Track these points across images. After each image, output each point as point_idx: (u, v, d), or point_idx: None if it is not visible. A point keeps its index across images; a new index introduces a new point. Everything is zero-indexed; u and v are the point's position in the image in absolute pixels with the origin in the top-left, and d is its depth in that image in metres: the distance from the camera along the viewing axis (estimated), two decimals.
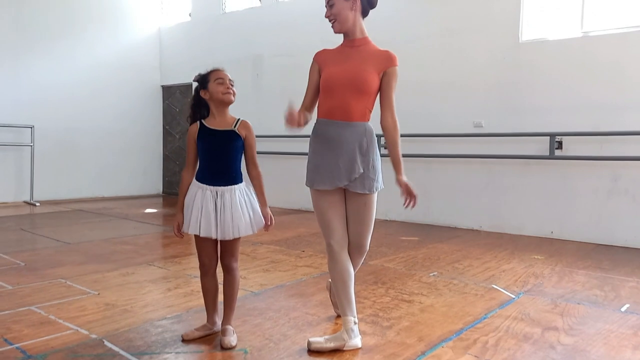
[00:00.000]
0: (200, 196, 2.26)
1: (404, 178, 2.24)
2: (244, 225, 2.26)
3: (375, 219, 2.37)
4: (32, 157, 7.59)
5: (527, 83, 5.46)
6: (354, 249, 2.36)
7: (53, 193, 7.97)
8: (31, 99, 7.67)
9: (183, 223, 2.30)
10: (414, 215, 6.17)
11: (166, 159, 9.55)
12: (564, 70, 5.22)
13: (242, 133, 2.30)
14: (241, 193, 2.30)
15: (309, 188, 2.35)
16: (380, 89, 2.28)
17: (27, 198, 7.61)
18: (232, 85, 2.29)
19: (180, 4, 9.26)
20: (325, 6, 2.29)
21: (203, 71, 2.36)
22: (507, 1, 5.58)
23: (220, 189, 2.26)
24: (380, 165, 2.31)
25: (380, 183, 2.31)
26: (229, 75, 2.33)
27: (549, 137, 5.20)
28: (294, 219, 6.46)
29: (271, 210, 2.37)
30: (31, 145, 7.57)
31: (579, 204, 5.17)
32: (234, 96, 2.28)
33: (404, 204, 2.22)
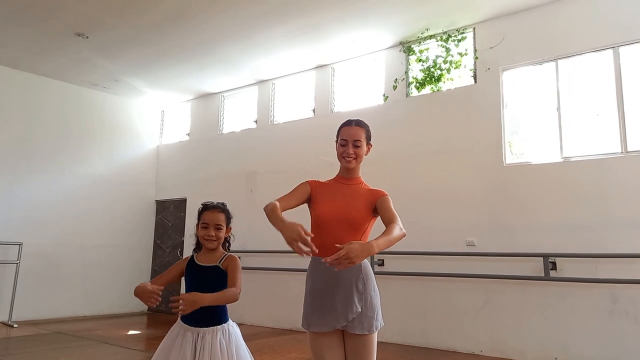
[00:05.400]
0: (180, 339, 2.21)
1: (372, 246, 1.93)
2: None
3: None
4: (17, 275, 7.35)
5: (515, 204, 5.56)
6: None
7: (34, 312, 7.60)
8: (24, 216, 7.66)
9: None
10: (411, 337, 5.88)
11: (154, 273, 9.31)
12: (550, 193, 5.35)
13: (225, 266, 2.27)
14: (223, 334, 2.23)
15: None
16: (381, 216, 2.27)
17: (5, 318, 7.24)
18: (219, 229, 2.29)
19: (180, 125, 9.71)
20: (347, 144, 2.29)
21: (209, 202, 2.36)
22: (488, 127, 5.89)
23: (201, 330, 2.21)
24: (380, 303, 2.24)
25: (380, 321, 2.22)
26: (222, 215, 2.32)
27: (542, 258, 5.18)
28: (285, 342, 6.12)
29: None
30: (17, 263, 7.38)
31: (581, 326, 4.99)
32: (216, 243, 2.28)
33: (326, 259, 1.90)
